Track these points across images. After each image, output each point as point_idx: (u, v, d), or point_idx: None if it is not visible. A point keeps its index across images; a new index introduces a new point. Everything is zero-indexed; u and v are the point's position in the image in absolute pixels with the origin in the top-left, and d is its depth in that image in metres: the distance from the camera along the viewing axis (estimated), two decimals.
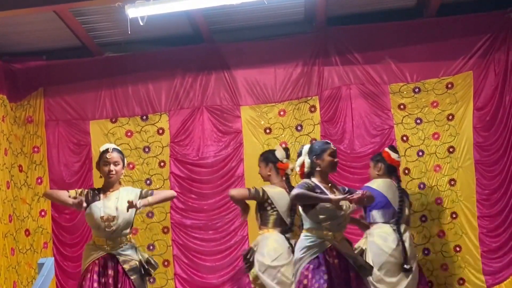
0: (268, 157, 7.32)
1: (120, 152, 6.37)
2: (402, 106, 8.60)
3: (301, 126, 8.71)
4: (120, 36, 8.76)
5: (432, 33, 8.57)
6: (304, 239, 6.13)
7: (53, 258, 7.97)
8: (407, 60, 8.60)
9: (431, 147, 8.52)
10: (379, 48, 8.64)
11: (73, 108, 8.99)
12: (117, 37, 8.83)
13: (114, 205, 6.17)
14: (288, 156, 7.32)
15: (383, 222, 7.52)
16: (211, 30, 8.74)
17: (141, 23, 7.29)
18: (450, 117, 8.52)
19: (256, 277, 6.99)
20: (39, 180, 8.92)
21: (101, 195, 6.25)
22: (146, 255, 6.33)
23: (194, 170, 8.77)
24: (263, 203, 7.10)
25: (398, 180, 7.71)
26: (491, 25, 8.47)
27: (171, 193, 6.74)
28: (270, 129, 8.75)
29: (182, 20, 8.52)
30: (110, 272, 6.13)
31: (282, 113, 8.76)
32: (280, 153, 7.29)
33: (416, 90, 8.59)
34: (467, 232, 8.37)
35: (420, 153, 8.52)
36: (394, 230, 7.44)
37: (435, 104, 8.56)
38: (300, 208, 6.29)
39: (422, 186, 8.48)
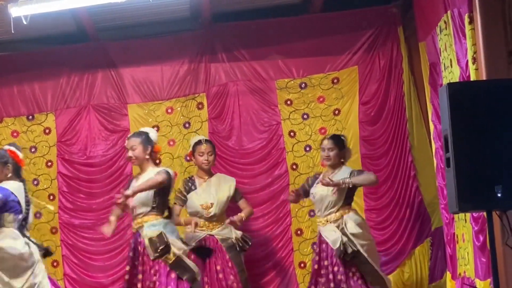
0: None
1: (139, 135, 6.83)
2: (289, 102, 8.65)
3: (189, 123, 8.70)
4: (4, 36, 8.57)
5: (317, 29, 8.63)
6: None
7: None
8: (294, 56, 8.65)
9: (318, 142, 8.52)
10: (265, 45, 8.67)
11: None
12: (0, 37, 8.70)
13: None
14: None
15: None
16: (97, 28, 8.67)
17: (25, 22, 7.21)
18: (337, 112, 8.60)
19: None
20: None
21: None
22: None
23: (82, 170, 8.68)
24: None
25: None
26: (375, 20, 8.57)
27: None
28: (158, 127, 8.67)
29: (67, 18, 8.41)
30: None
31: (169, 110, 8.73)
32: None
33: (303, 85, 8.65)
34: None
35: (308, 148, 8.59)
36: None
37: (321, 99, 8.63)
38: None
39: None
